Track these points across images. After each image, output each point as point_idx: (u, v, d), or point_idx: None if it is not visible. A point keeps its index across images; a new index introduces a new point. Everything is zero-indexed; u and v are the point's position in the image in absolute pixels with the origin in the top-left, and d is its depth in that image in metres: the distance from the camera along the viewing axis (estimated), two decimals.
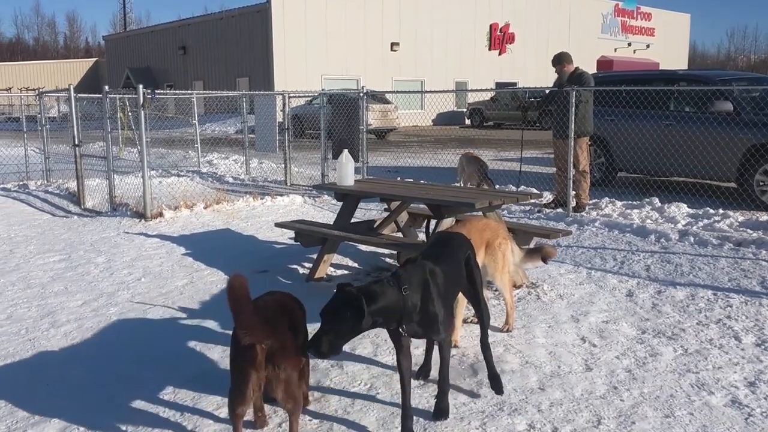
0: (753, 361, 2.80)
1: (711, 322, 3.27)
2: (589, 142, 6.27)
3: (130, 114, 10.77)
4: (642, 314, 3.39)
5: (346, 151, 4.48)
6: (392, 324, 2.12)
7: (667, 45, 34.03)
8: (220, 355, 2.92)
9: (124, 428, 2.30)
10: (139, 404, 2.47)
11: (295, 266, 4.38)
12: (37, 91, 9.30)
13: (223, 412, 2.40)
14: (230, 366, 2.04)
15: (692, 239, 4.86)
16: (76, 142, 6.86)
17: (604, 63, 29.80)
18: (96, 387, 2.62)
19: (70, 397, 2.53)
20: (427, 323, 2.18)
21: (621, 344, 3.00)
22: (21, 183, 8.29)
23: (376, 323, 2.05)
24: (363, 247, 4.76)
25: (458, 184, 7.00)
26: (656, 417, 2.34)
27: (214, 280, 4.08)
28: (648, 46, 33.40)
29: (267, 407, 2.32)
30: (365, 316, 1.97)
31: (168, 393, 2.56)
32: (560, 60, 6.15)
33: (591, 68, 19.23)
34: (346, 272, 4.30)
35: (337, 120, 8.04)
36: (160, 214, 5.95)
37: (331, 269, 4.27)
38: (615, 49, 32.15)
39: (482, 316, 2.60)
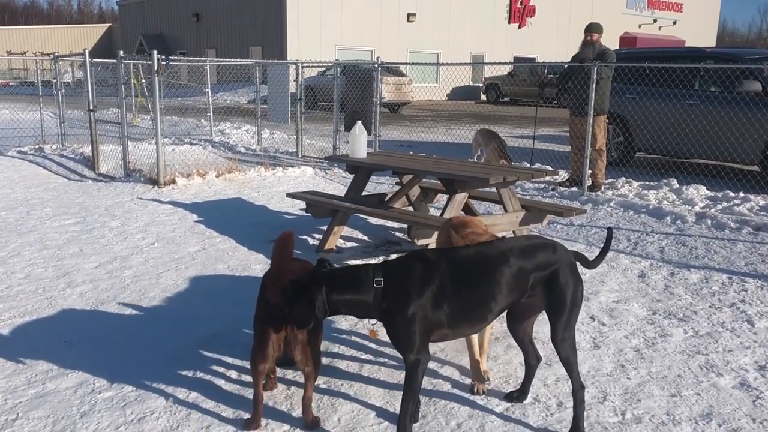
0: (765, 346, 2.77)
1: (724, 305, 3.24)
2: (607, 120, 6.12)
3: (143, 80, 10.72)
4: (653, 295, 3.36)
5: (359, 122, 4.42)
6: (360, 317, 1.92)
7: (695, 22, 32.67)
8: (230, 318, 2.97)
9: (137, 384, 2.35)
10: (152, 363, 2.53)
11: (305, 237, 4.39)
12: (52, 55, 9.24)
13: (234, 373, 2.45)
14: (253, 326, 2.10)
15: (709, 222, 4.78)
16: (91, 108, 6.87)
17: (627, 40, 28.81)
18: (111, 345, 2.69)
19: (87, 353, 2.60)
20: (391, 333, 1.89)
21: (631, 324, 2.98)
22: (37, 146, 8.34)
23: (338, 312, 1.89)
24: (373, 220, 4.76)
25: (473, 160, 6.91)
26: (662, 396, 2.34)
27: (225, 248, 4.12)
28: (675, 23, 32.13)
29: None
30: (318, 304, 1.81)
31: (180, 353, 2.61)
32: (600, 29, 5.93)
33: (613, 45, 18.49)
34: (355, 244, 4.31)
35: (350, 92, 7.93)
36: (173, 181, 5.99)
37: (341, 241, 4.28)
38: (639, 26, 31.01)
39: (574, 381, 1.97)
